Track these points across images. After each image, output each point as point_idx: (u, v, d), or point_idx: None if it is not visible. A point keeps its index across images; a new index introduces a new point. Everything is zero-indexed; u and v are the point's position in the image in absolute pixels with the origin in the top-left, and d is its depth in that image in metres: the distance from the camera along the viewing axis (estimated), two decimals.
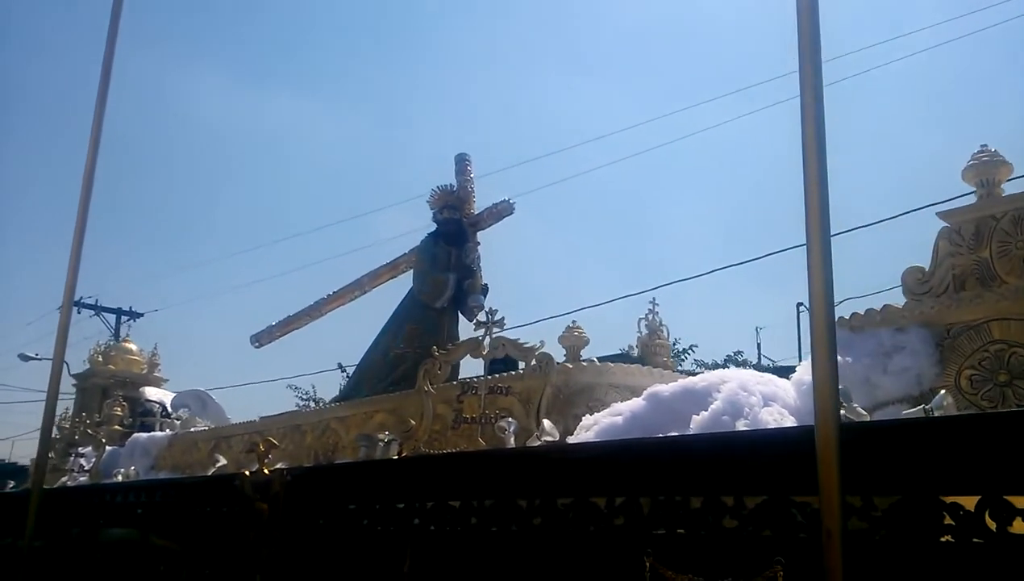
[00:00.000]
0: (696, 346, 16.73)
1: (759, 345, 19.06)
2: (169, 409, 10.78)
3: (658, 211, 41.48)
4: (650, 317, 6.03)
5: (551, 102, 43.28)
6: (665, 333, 6.00)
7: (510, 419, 4.73)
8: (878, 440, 2.95)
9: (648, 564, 3.29)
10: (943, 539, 2.69)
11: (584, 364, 5.41)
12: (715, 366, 16.41)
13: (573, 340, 5.54)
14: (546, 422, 4.52)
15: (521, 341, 5.36)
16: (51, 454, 10.10)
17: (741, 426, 3.78)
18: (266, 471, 5.24)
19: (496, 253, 7.69)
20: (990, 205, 3.72)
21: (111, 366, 12.51)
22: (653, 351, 5.90)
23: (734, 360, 18.26)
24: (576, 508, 3.67)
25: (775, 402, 3.91)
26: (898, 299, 3.95)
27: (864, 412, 3.24)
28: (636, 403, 4.50)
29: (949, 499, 2.69)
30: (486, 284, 7.40)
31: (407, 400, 6.15)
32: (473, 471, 4.33)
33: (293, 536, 5.02)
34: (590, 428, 4.50)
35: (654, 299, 6.07)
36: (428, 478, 4.51)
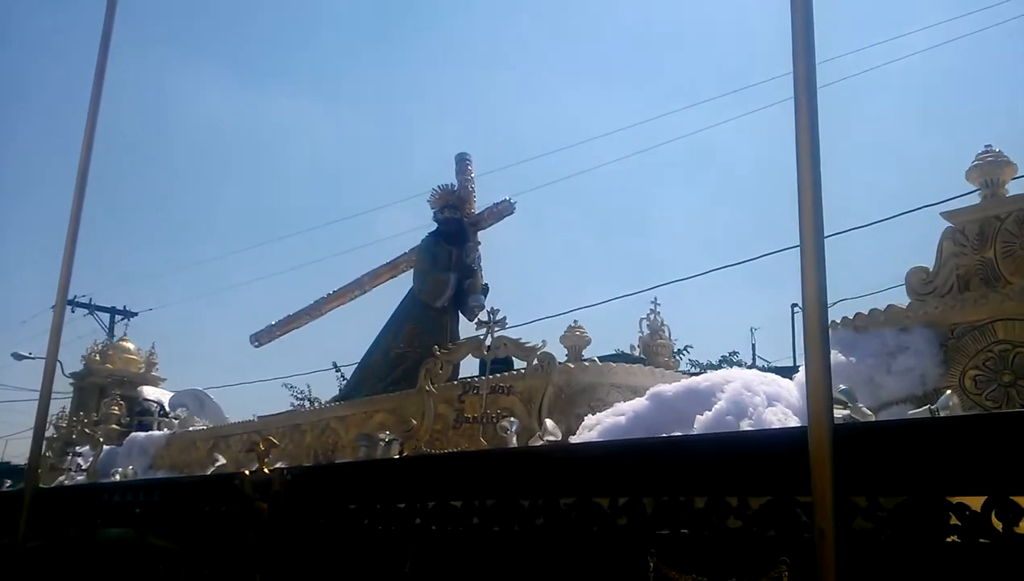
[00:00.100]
0: (691, 347, 16.72)
1: (754, 346, 19.09)
2: (167, 408, 10.76)
3: (655, 211, 41.54)
4: (652, 317, 6.03)
5: (550, 102, 43.33)
6: (667, 333, 5.99)
7: (512, 419, 4.72)
8: (873, 440, 2.95)
9: (652, 564, 3.29)
10: (949, 539, 2.69)
11: (586, 364, 5.40)
12: (710, 367, 16.43)
13: (575, 340, 5.53)
14: (548, 422, 4.51)
15: (522, 340, 5.35)
16: (48, 453, 10.09)
17: (745, 426, 3.77)
18: (266, 470, 5.22)
19: (495, 253, 7.69)
20: (994, 205, 3.72)
21: (109, 365, 12.49)
22: (655, 351, 5.89)
23: (729, 361, 18.26)
24: (579, 508, 3.66)
25: (779, 402, 3.90)
26: (894, 300, 3.95)
27: (869, 412, 3.23)
28: (639, 403, 4.49)
29: (955, 499, 2.69)
30: (486, 284, 7.39)
31: (408, 399, 6.14)
32: (475, 471, 4.32)
33: (293, 536, 5.01)
34: (593, 428, 4.49)
35: (655, 299, 6.07)
36: (429, 478, 4.50)
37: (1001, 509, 2.60)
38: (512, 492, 3.95)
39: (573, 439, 4.64)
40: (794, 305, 16.31)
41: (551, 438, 4.36)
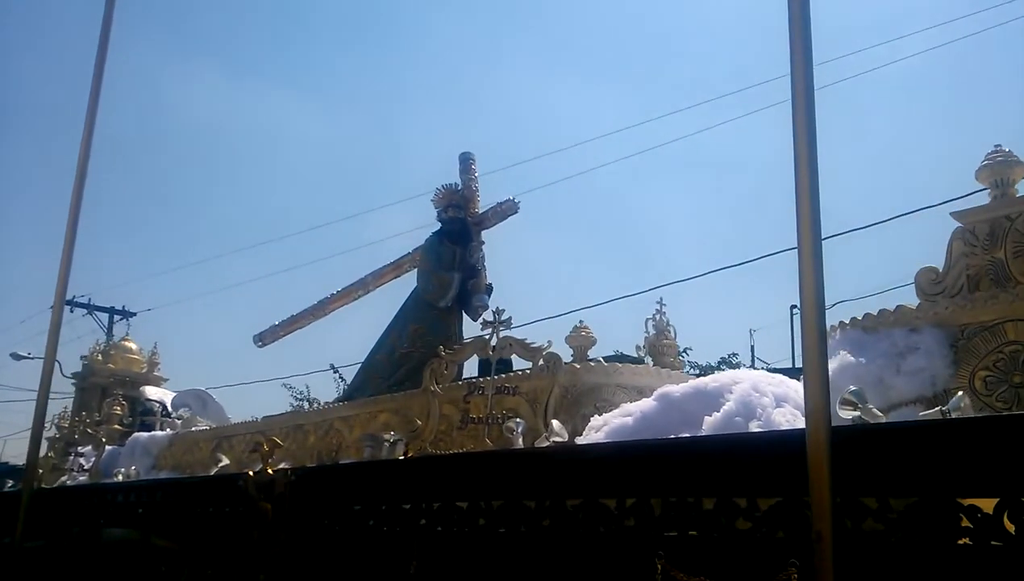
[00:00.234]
0: (691, 349, 16.69)
1: (752, 347, 19.04)
2: (169, 408, 10.74)
3: (654, 212, 41.50)
4: (657, 317, 6.01)
5: (548, 102, 43.27)
6: (672, 333, 5.97)
7: (518, 419, 4.70)
8: (882, 442, 2.94)
9: (660, 566, 3.27)
10: (961, 542, 2.68)
11: (592, 364, 5.38)
12: (709, 369, 16.41)
13: (580, 340, 5.52)
14: (555, 422, 4.49)
15: (527, 341, 5.34)
16: (51, 453, 10.09)
17: (754, 427, 3.76)
18: (270, 471, 5.21)
19: (496, 253, 7.66)
20: (1005, 205, 3.70)
21: (111, 365, 12.49)
22: (660, 351, 5.87)
23: (728, 363, 18.26)
24: (586, 509, 3.65)
25: (787, 403, 3.89)
26: (894, 301, 3.94)
27: (880, 413, 3.21)
28: (646, 403, 4.47)
29: (967, 501, 2.67)
30: (490, 283, 7.37)
31: (412, 400, 6.13)
32: (481, 472, 4.31)
33: (297, 537, 5.00)
34: (600, 429, 4.47)
35: (661, 299, 6.05)
36: (435, 479, 4.49)
37: (1013, 511, 2.58)
38: (518, 493, 3.94)
39: (579, 440, 4.62)
40: (793, 307, 16.28)
41: (557, 439, 4.35)
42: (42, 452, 9.93)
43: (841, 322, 4.07)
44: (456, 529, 4.16)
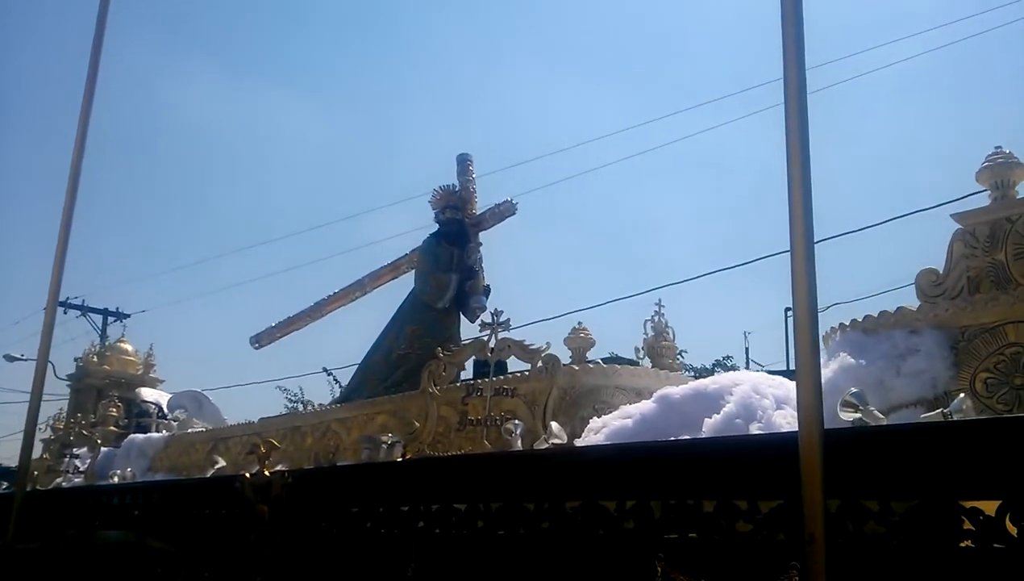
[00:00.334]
0: (686, 351, 16.68)
1: (747, 349, 19.05)
2: (165, 410, 10.70)
3: (649, 214, 41.51)
4: (656, 318, 6.00)
5: (544, 103, 43.27)
6: (671, 335, 5.96)
7: (517, 421, 4.69)
8: (884, 444, 2.93)
9: (660, 569, 3.26)
10: (963, 544, 2.67)
11: (590, 366, 5.37)
12: (704, 371, 16.42)
13: (579, 342, 5.50)
14: (554, 424, 4.48)
15: (526, 342, 5.32)
16: (46, 455, 10.05)
17: (754, 429, 3.75)
18: (267, 473, 5.19)
19: (494, 254, 7.65)
20: (1006, 207, 3.69)
21: (106, 366, 12.43)
22: (659, 353, 5.86)
23: (723, 365, 18.28)
24: (585, 511, 3.63)
25: (788, 405, 3.87)
26: (889, 303, 3.94)
27: (881, 415, 3.20)
28: (646, 405, 4.46)
29: (968, 504, 2.67)
30: (488, 285, 7.35)
31: (410, 401, 6.11)
32: (480, 473, 4.29)
33: (295, 539, 4.97)
34: (599, 430, 4.46)
35: (660, 300, 6.04)
36: (433, 480, 4.47)
37: (1016, 514, 2.57)
38: (517, 495, 3.92)
39: (578, 442, 4.61)
40: (787, 309, 16.27)
41: (556, 441, 4.33)
42: (37, 454, 9.92)
43: (841, 324, 4.06)
44: (454, 531, 4.14)
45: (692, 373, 14.95)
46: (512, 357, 5.47)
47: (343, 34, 43.84)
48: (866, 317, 3.93)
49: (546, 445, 4.38)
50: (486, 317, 5.64)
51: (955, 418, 2.97)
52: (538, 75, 41.90)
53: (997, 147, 3.85)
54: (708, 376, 5.16)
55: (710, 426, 3.94)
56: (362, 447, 5.47)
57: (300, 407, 16.92)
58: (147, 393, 11.83)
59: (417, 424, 5.70)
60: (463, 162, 7.77)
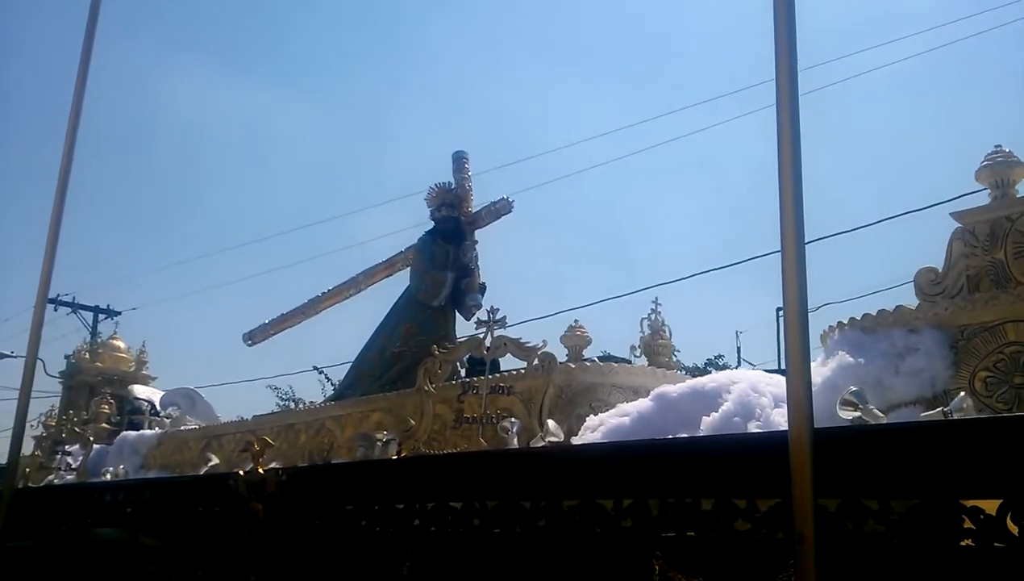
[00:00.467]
0: (678, 350, 16.64)
1: (739, 349, 19.08)
2: (158, 407, 10.65)
3: (645, 213, 41.53)
4: (652, 316, 5.99)
5: (538, 102, 43.25)
6: (667, 333, 5.95)
7: (513, 419, 4.66)
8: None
9: (657, 567, 3.25)
10: (963, 543, 2.65)
11: (587, 364, 5.35)
12: (696, 370, 16.43)
13: (575, 339, 5.48)
14: (550, 422, 4.45)
15: (522, 340, 5.30)
16: (38, 452, 9.98)
17: (753, 428, 3.73)
18: (261, 470, 5.16)
19: (487, 252, 7.63)
20: (1005, 206, 3.68)
21: (98, 363, 12.36)
22: (656, 351, 5.84)
23: (715, 364, 18.29)
24: (582, 510, 3.62)
25: (786, 403, 3.85)
26: (881, 303, 3.93)
27: (880, 414, 3.19)
28: (643, 404, 4.44)
29: (969, 503, 2.66)
30: (483, 283, 7.33)
31: (405, 399, 6.08)
32: (476, 472, 4.27)
33: (289, 537, 4.94)
34: (596, 429, 4.44)
35: (656, 299, 6.02)
36: (429, 479, 4.45)
37: (1017, 513, 2.56)
38: (514, 493, 3.90)
39: (575, 440, 4.59)
40: (779, 309, 16.29)
41: (553, 439, 4.31)
42: (27, 451, 9.85)
43: (840, 322, 4.05)
44: (450, 530, 4.12)
45: (685, 372, 14.90)
46: (508, 355, 5.45)
47: (338, 32, 43.74)
48: (865, 315, 3.92)
49: (543, 443, 4.35)
50: (482, 315, 5.62)
51: (956, 417, 2.96)
52: (533, 75, 41.91)
53: (997, 146, 3.84)
54: (701, 375, 5.16)
55: (708, 424, 3.93)
56: (357, 445, 5.44)
57: (292, 406, 16.87)
58: (140, 390, 11.76)
59: (412, 422, 5.68)
60: (459, 160, 7.75)
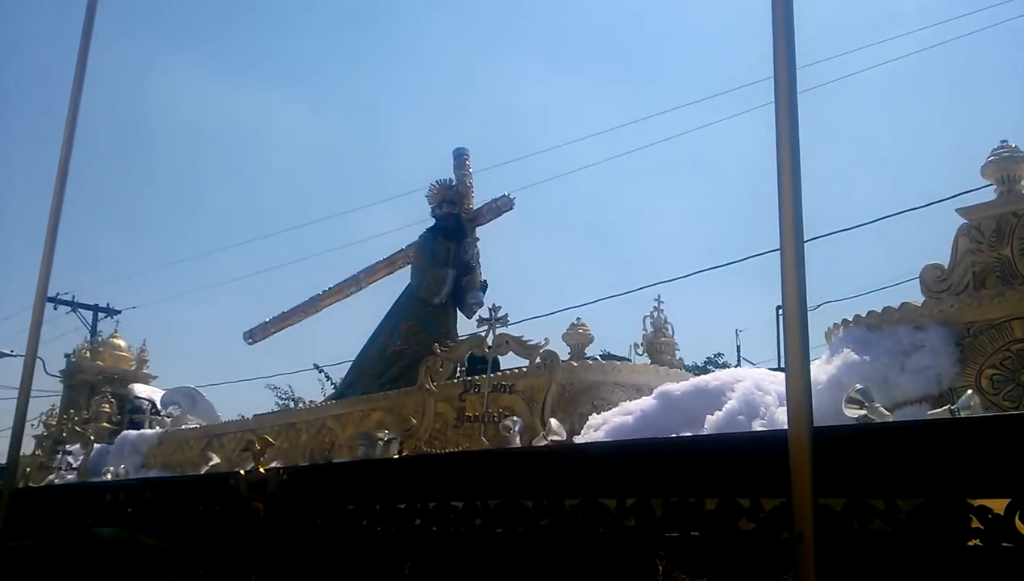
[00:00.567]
0: (678, 349, 16.56)
1: (739, 347, 19.05)
2: (159, 406, 10.62)
3: (642, 212, 41.47)
4: (655, 314, 5.96)
5: (536, 101, 43.16)
6: (670, 331, 5.92)
7: (515, 418, 4.63)
8: (889, 442, 2.89)
9: (660, 567, 3.23)
10: (971, 543, 2.63)
11: (589, 362, 5.32)
12: (696, 368, 16.40)
13: (577, 337, 5.45)
14: (553, 421, 4.43)
15: (524, 338, 5.27)
16: (39, 451, 9.97)
17: (757, 426, 3.70)
18: (262, 470, 5.13)
19: (487, 250, 7.60)
20: (1011, 202, 3.65)
21: (99, 362, 12.33)
22: (658, 349, 5.81)
23: (715, 362, 18.26)
24: (585, 509, 3.60)
25: None
26: (879, 302, 3.91)
27: (887, 412, 3.16)
28: (646, 402, 4.42)
29: (977, 502, 2.63)
30: (485, 280, 7.30)
31: (407, 398, 6.06)
32: (478, 471, 4.25)
33: (290, 537, 4.92)
34: (599, 427, 4.42)
35: (659, 296, 5.99)
36: (430, 478, 4.42)
37: None
38: (516, 493, 3.88)
39: (578, 438, 4.56)
40: (779, 307, 16.23)
41: (555, 437, 4.28)
42: (28, 450, 9.84)
43: (844, 319, 4.02)
44: (452, 529, 4.10)
45: (684, 370, 14.85)
46: (509, 353, 5.42)
47: (337, 31, 43.65)
48: (870, 312, 3.89)
49: (545, 442, 4.33)
50: (483, 313, 5.59)
51: (963, 415, 2.93)
52: (531, 74, 41.83)
53: (1003, 141, 3.81)
54: (701, 374, 5.14)
55: (712, 423, 3.90)
56: (358, 444, 5.41)
57: (291, 406, 16.85)
58: (140, 389, 11.74)
59: (414, 420, 5.65)
60: (460, 157, 7.71)
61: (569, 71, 40.99)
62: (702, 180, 40.36)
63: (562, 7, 40.85)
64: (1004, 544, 2.56)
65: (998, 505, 2.58)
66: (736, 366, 16.64)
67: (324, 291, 8.40)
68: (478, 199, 7.55)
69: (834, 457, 2.87)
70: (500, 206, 7.36)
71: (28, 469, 9.24)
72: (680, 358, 6.26)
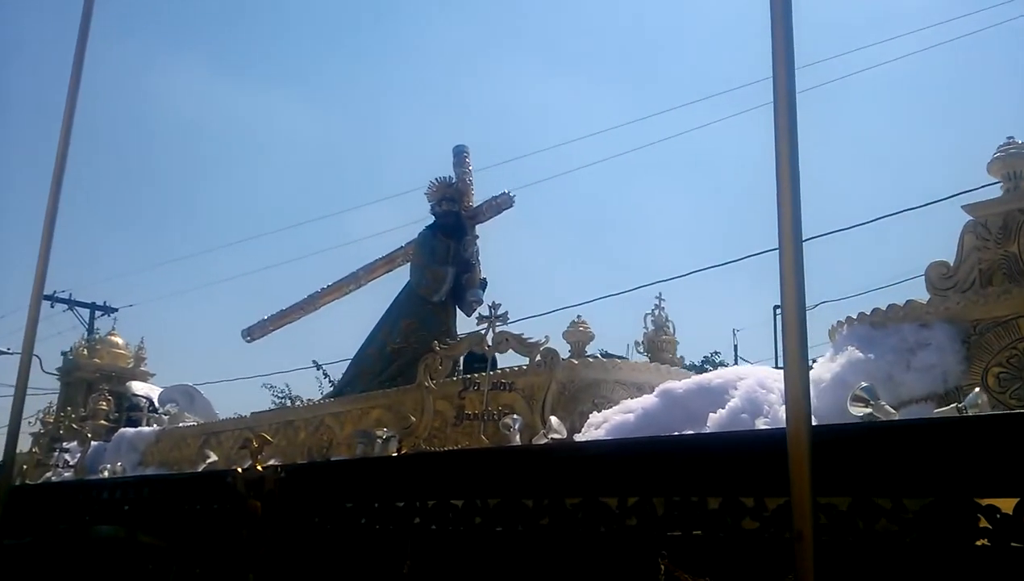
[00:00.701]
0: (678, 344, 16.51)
1: (736, 347, 19.03)
2: (156, 404, 10.58)
3: (642, 211, 41.43)
4: (656, 312, 5.92)
5: (533, 100, 43.09)
6: (671, 329, 5.88)
7: (515, 416, 4.60)
8: (896, 440, 2.87)
9: (663, 567, 3.20)
10: (979, 543, 2.60)
11: (590, 360, 5.29)
12: (693, 367, 16.36)
13: (578, 335, 5.41)
14: (553, 419, 4.39)
15: (524, 336, 5.23)
16: (36, 449, 9.93)
17: (760, 424, 3.66)
18: (259, 468, 5.10)
19: (486, 248, 7.55)
20: (1018, 198, 3.61)
21: (96, 360, 12.29)
22: (659, 347, 5.78)
23: (711, 362, 18.24)
24: (586, 508, 3.57)
25: None
26: (876, 302, 3.88)
27: (892, 410, 3.12)
28: (648, 400, 4.38)
29: (985, 501, 2.60)
30: (484, 278, 7.26)
31: (406, 396, 6.02)
32: (477, 469, 4.22)
33: (288, 535, 4.89)
34: (600, 425, 4.38)
35: (660, 294, 5.96)
36: (430, 476, 4.40)
37: None
38: (516, 491, 3.86)
39: (578, 437, 4.53)
40: (776, 307, 16.22)
41: (556, 436, 4.25)
42: (25, 448, 9.80)
43: (848, 317, 3.99)
44: (451, 528, 4.07)
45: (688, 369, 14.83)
46: (509, 351, 5.38)
47: (334, 30, 43.56)
48: (874, 310, 3.85)
49: (545, 440, 4.29)
50: (483, 310, 5.55)
51: (970, 413, 2.89)
52: (530, 73, 41.77)
53: (1009, 137, 3.77)
54: (698, 373, 5.10)
55: (715, 421, 3.86)
56: (356, 442, 5.38)
57: (288, 404, 16.81)
58: (138, 387, 11.70)
59: (413, 418, 5.62)
60: (459, 154, 7.67)
61: (568, 71, 40.95)
62: (701, 180, 40.33)
63: (562, 7, 40.80)
64: (1013, 544, 2.53)
65: (1007, 504, 2.55)
66: (734, 366, 16.61)
67: (323, 289, 8.36)
68: (478, 197, 7.52)
69: (839, 456, 2.84)
70: (500, 204, 7.32)
71: (25, 467, 9.20)
72: (681, 356, 6.23)
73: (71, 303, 21.62)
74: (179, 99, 40.77)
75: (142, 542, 6.19)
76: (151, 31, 40.25)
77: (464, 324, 7.12)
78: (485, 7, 43.36)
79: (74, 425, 9.96)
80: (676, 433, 3.92)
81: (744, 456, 3.21)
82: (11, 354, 18.91)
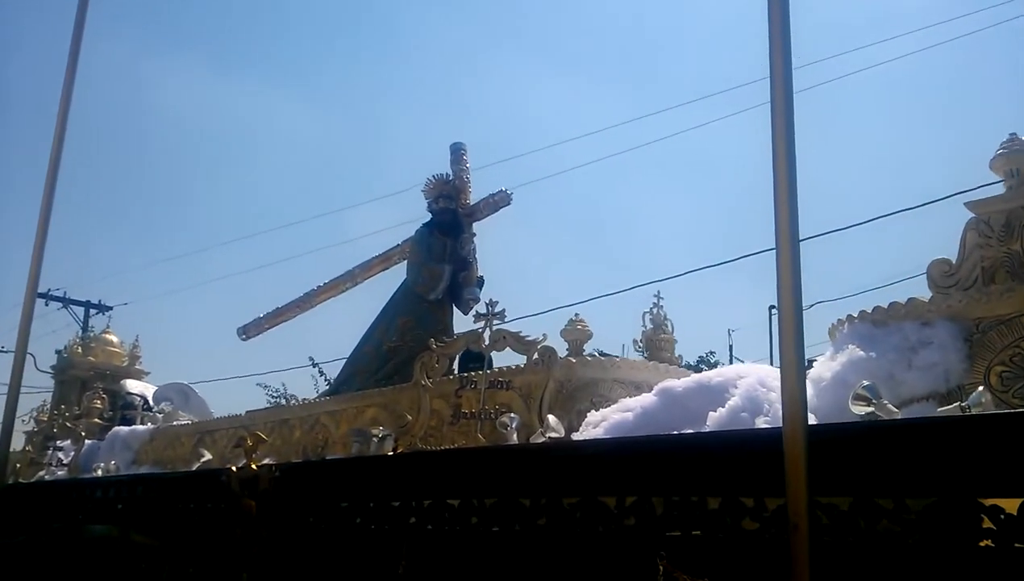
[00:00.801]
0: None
1: (731, 347, 19.04)
2: (151, 402, 10.55)
3: (639, 211, 41.43)
4: (655, 310, 5.90)
5: (530, 99, 43.07)
6: (670, 328, 5.86)
7: (513, 414, 4.57)
8: (900, 439, 2.84)
9: (661, 567, 3.18)
10: (982, 544, 2.57)
11: (588, 358, 5.25)
12: (688, 366, 16.32)
13: (576, 334, 5.38)
14: (551, 418, 4.36)
15: (522, 334, 5.20)
16: (29, 447, 9.89)
17: (761, 423, 3.63)
18: (254, 466, 5.07)
19: (483, 247, 7.52)
20: (1022, 196, 3.58)
21: (91, 358, 12.26)
22: (658, 345, 5.76)
23: (707, 361, 18.25)
24: (584, 508, 3.55)
25: None
26: (873, 302, 3.87)
27: (895, 409, 3.09)
28: (647, 399, 4.35)
29: (988, 501, 2.57)
30: (481, 276, 7.23)
31: (402, 394, 5.99)
32: (474, 468, 4.20)
33: (282, 534, 4.86)
34: (598, 424, 4.35)
35: (659, 293, 5.94)
36: (426, 475, 4.37)
37: None
38: (513, 490, 3.83)
39: (576, 436, 4.50)
40: (771, 306, 16.22)
41: (554, 434, 4.22)
42: (19, 446, 9.76)
43: (849, 315, 3.96)
44: (447, 528, 4.04)
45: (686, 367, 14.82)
46: (506, 349, 5.35)
47: (331, 28, 43.49)
48: (875, 308, 3.83)
49: (543, 439, 4.26)
50: (480, 308, 5.52)
51: (974, 412, 2.87)
52: (529, 73, 41.77)
53: (1012, 134, 3.75)
54: (694, 372, 5.08)
55: (714, 420, 3.83)
56: (352, 440, 5.35)
57: (283, 403, 16.75)
58: (132, 385, 11.67)
59: (409, 417, 5.59)
60: (457, 151, 7.63)
61: (567, 71, 40.94)
62: (698, 179, 40.37)
63: (561, 7, 40.79)
64: (1017, 545, 2.50)
65: (1010, 505, 2.52)
66: (729, 365, 16.58)
67: (319, 287, 8.32)
68: (475, 196, 7.48)
69: (839, 455, 2.81)
70: (498, 201, 7.29)
71: (18, 465, 9.15)
72: (680, 355, 6.21)
73: (66, 301, 21.58)
74: (175, 97, 40.69)
75: (135, 541, 6.16)
76: (146, 29, 40.19)
77: (461, 322, 7.09)
78: (484, 7, 43.36)
79: (68, 423, 9.93)
80: (675, 432, 3.89)
81: (744, 455, 3.18)
82: (5, 352, 18.89)
